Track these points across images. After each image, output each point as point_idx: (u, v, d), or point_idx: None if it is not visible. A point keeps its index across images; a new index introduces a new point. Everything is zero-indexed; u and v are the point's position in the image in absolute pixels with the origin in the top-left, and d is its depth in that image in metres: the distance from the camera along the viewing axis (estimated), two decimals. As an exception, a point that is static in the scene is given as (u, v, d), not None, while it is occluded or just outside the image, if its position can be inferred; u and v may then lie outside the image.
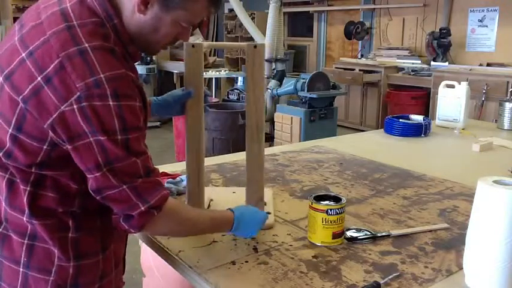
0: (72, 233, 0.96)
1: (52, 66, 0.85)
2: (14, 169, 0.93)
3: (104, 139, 0.86)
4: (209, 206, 1.34)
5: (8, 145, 0.91)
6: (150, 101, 1.32)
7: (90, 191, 0.91)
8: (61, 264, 0.96)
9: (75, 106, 0.84)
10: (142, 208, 0.92)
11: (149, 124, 1.42)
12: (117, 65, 0.88)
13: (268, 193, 1.43)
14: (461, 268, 1.07)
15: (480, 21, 6.01)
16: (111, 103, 0.85)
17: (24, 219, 0.94)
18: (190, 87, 1.25)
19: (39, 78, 0.86)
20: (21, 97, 0.87)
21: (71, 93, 0.84)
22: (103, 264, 1.02)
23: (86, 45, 0.86)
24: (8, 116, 0.90)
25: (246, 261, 1.11)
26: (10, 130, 0.90)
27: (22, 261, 0.95)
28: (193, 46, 1.24)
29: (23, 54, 0.89)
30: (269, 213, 1.29)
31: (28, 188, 0.93)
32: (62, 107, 0.84)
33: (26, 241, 0.95)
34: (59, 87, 0.84)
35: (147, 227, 0.96)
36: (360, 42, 7.47)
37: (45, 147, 0.89)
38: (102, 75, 0.85)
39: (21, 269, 0.95)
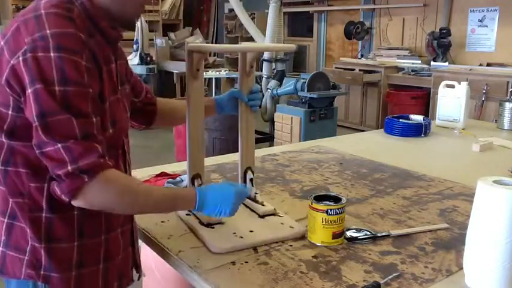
0: (46, 213, 0.98)
1: (11, 30, 0.93)
2: None
3: (39, 87, 0.88)
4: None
5: None
6: (213, 100, 1.41)
7: (34, 147, 0.92)
8: (34, 245, 0.99)
9: (21, 58, 0.89)
10: (69, 168, 0.89)
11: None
12: (68, 26, 0.92)
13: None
14: (461, 268, 1.07)
15: (480, 21, 6.01)
16: (52, 54, 0.89)
17: (3, 195, 0.99)
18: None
19: (1, 43, 0.94)
20: None
21: (19, 48, 0.90)
22: (79, 253, 1.02)
23: (42, 11, 0.92)
24: None
25: (246, 262, 1.11)
26: None
27: (1, 240, 1.00)
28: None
29: None
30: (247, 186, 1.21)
31: (0, 167, 0.97)
32: (12, 61, 0.90)
33: (6, 220, 0.99)
34: (12, 45, 0.91)
35: (78, 195, 0.92)
36: (360, 42, 7.46)
37: (10, 112, 0.93)
38: (48, 31, 0.90)
39: (0, 248, 1.00)
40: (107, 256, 1.07)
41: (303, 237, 1.23)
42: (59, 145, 0.89)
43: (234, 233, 1.23)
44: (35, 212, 0.98)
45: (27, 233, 0.98)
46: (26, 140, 0.94)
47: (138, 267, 1.22)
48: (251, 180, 1.39)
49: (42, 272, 1.00)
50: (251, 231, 1.23)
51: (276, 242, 1.20)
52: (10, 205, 0.98)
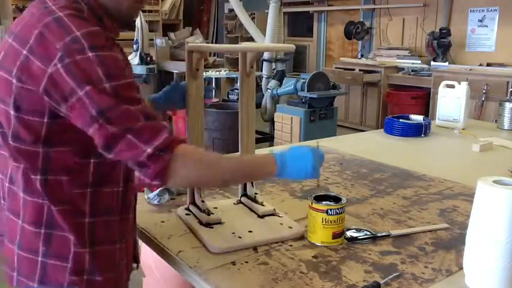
0: (89, 218, 0.98)
1: (33, 37, 0.90)
2: (22, 158, 0.95)
3: (89, 88, 0.87)
4: (211, 212, 1.33)
5: (13, 127, 0.94)
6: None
7: (102, 152, 0.91)
8: (77, 251, 0.98)
9: (59, 65, 0.88)
10: (149, 150, 0.90)
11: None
12: (89, 25, 0.92)
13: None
14: (461, 268, 1.07)
15: (480, 21, 6.01)
16: (90, 54, 0.88)
17: (45, 206, 0.96)
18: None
19: (24, 52, 0.90)
20: (13, 75, 0.91)
21: (53, 55, 0.88)
22: (120, 254, 1.04)
23: (59, 13, 0.92)
24: (6, 99, 0.93)
25: (246, 262, 1.11)
26: (12, 112, 0.93)
27: (40, 251, 0.97)
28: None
29: (10, 40, 0.95)
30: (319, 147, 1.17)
31: (38, 176, 0.95)
32: (49, 70, 0.88)
33: (42, 230, 0.97)
34: (42, 53, 0.89)
35: (166, 175, 0.93)
36: (360, 42, 7.46)
37: (45, 120, 0.92)
38: (77, 33, 0.89)
39: (39, 259, 0.98)
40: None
41: (302, 237, 1.23)
42: (129, 135, 0.89)
43: (233, 233, 1.23)
44: (79, 218, 0.98)
45: (70, 240, 0.97)
46: (63, 145, 0.94)
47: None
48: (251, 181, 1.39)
49: (85, 277, 0.99)
50: (250, 232, 1.23)
51: (276, 242, 1.20)
52: (46, 215, 0.97)
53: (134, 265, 1.20)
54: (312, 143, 2.29)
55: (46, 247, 0.97)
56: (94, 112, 0.88)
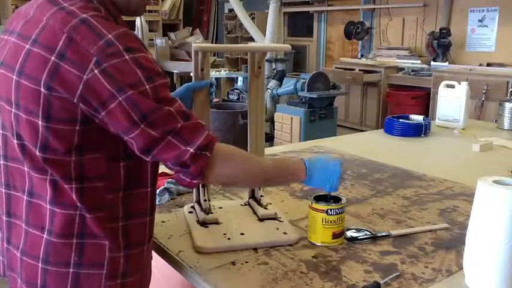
0: (122, 222, 0.98)
1: (61, 42, 0.86)
2: (53, 168, 0.91)
3: (131, 93, 0.86)
4: (211, 211, 1.33)
5: (41, 138, 0.90)
6: None
7: (140, 155, 0.91)
8: (112, 256, 0.96)
9: (96, 71, 0.84)
10: (192, 150, 0.90)
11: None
12: (118, 26, 0.90)
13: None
14: (461, 268, 1.07)
15: (480, 21, 6.01)
16: (127, 57, 0.86)
17: (77, 215, 0.93)
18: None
19: (53, 58, 0.86)
20: (41, 84, 0.87)
21: (88, 60, 0.84)
22: (148, 254, 1.05)
23: (84, 15, 0.88)
24: (34, 109, 0.89)
25: (246, 262, 1.11)
26: (40, 122, 0.89)
27: (72, 262, 0.94)
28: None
29: (27, 46, 0.89)
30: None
31: (74, 185, 0.92)
32: (85, 76, 0.85)
33: (74, 240, 0.94)
34: (75, 58, 0.85)
35: (206, 173, 0.94)
36: (360, 42, 7.46)
37: (77, 128, 0.89)
38: (110, 36, 0.86)
39: (71, 270, 0.94)
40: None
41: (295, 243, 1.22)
42: (169, 137, 0.89)
43: (225, 234, 1.23)
44: (113, 223, 0.96)
45: (106, 246, 0.95)
46: (95, 151, 0.92)
47: None
48: None
49: (119, 281, 0.98)
50: (242, 234, 1.23)
51: (271, 247, 1.19)
52: (78, 225, 0.93)
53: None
54: (312, 143, 2.29)
55: (79, 257, 0.94)
56: (136, 117, 0.86)
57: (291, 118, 4.46)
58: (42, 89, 0.87)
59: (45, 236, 0.94)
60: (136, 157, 0.94)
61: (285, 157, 2.01)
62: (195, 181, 0.95)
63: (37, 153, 0.90)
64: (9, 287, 1.02)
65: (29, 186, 0.95)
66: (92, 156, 0.92)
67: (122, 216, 0.98)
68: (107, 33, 0.86)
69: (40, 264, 0.95)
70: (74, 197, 0.92)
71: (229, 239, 1.20)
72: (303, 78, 4.51)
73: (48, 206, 0.93)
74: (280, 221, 1.31)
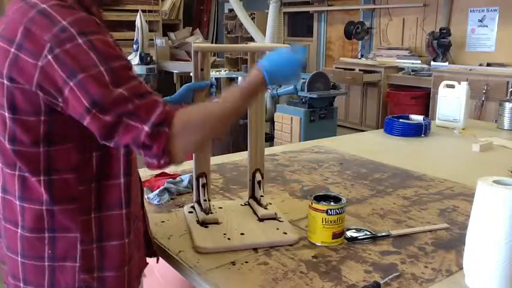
0: (95, 213, 0.97)
1: (19, 34, 0.87)
2: (22, 161, 0.92)
3: (82, 77, 0.84)
4: (211, 211, 1.33)
5: (9, 130, 0.91)
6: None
7: (103, 142, 0.89)
8: (85, 248, 0.96)
9: (49, 57, 0.85)
10: (147, 129, 0.86)
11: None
12: (76, 12, 0.89)
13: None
14: (461, 268, 1.07)
15: (480, 21, 6.01)
16: (80, 41, 0.85)
17: (44, 210, 0.94)
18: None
19: (12, 50, 0.87)
20: (4, 76, 0.88)
21: (42, 47, 0.85)
22: (129, 249, 1.02)
23: (43, 5, 0.88)
24: (1, 102, 0.90)
25: (246, 262, 1.11)
26: (7, 114, 0.90)
27: (46, 256, 0.96)
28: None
29: None
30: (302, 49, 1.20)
31: (42, 178, 0.93)
32: (40, 63, 0.85)
33: (46, 234, 0.95)
34: (31, 47, 0.86)
35: (171, 150, 0.89)
36: (360, 42, 7.46)
37: (42, 118, 0.89)
38: (64, 22, 0.86)
39: (46, 263, 0.96)
40: (139, 245, 1.10)
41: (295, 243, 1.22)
42: (124, 119, 0.86)
43: (224, 234, 1.23)
44: (85, 215, 0.96)
45: (77, 238, 0.95)
46: (64, 142, 0.92)
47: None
48: (259, 182, 1.39)
49: (95, 275, 0.98)
50: (242, 234, 1.23)
51: (271, 247, 1.19)
52: (47, 219, 0.94)
53: (153, 259, 1.19)
54: (312, 143, 2.29)
55: (52, 250, 0.95)
56: (87, 103, 0.84)
57: (291, 118, 4.46)
58: (5, 81, 0.88)
59: (19, 231, 0.96)
60: (107, 147, 0.93)
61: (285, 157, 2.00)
62: (162, 161, 0.89)
63: (7, 145, 0.92)
64: (3, 280, 1.04)
65: (2, 183, 0.97)
66: (61, 148, 0.92)
67: (94, 207, 0.97)
68: (61, 19, 0.86)
69: (19, 259, 0.97)
70: (43, 190, 0.93)
71: (229, 239, 1.20)
72: (303, 78, 4.51)
73: (17, 202, 0.95)
74: (280, 221, 1.31)
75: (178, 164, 0.92)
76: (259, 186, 1.39)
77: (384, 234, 1.25)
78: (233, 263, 1.10)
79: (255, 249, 1.17)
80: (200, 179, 1.33)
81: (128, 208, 1.01)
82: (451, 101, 2.61)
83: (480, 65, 5.66)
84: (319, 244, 1.19)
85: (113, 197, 0.99)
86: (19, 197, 0.95)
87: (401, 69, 6.43)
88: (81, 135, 0.92)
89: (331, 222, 1.18)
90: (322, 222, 1.18)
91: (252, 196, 1.41)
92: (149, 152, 0.88)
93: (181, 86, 1.40)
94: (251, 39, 5.62)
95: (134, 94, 0.87)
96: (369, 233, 1.25)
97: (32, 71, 0.86)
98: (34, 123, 0.90)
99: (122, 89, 0.86)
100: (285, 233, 1.24)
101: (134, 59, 6.81)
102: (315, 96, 4.32)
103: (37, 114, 0.89)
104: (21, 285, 0.98)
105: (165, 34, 8.52)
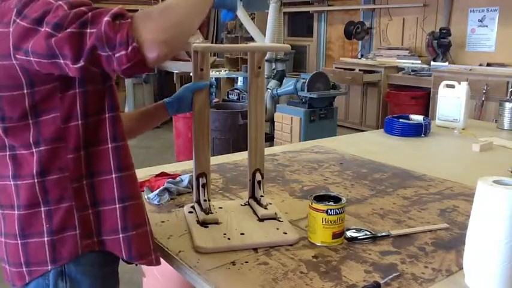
0: (86, 180, 1.00)
1: None
2: (13, 137, 0.96)
3: (47, 18, 0.86)
4: (211, 211, 1.33)
5: None
6: (163, 103, 1.37)
7: (77, 65, 0.86)
8: (81, 214, 1.00)
9: (18, 20, 0.89)
10: (108, 18, 0.85)
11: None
12: None
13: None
14: (461, 268, 1.07)
15: (480, 21, 6.01)
16: None
17: (36, 183, 0.97)
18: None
19: None
20: None
21: (11, 14, 0.90)
22: (125, 212, 1.03)
23: None
24: None
25: (246, 262, 1.11)
26: None
27: (45, 230, 0.98)
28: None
29: None
30: None
31: (33, 150, 0.96)
32: (11, 29, 0.89)
33: (42, 208, 0.98)
34: (3, 19, 0.91)
35: (135, 34, 0.85)
36: (360, 42, 7.47)
37: (25, 91, 0.93)
38: None
39: (45, 238, 0.98)
40: (148, 219, 1.10)
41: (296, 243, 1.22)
42: (88, 29, 0.85)
43: (224, 234, 1.23)
44: (77, 182, 0.99)
45: (72, 206, 0.99)
46: (49, 113, 0.95)
47: None
48: (259, 182, 1.39)
49: (95, 239, 1.02)
50: (242, 234, 1.23)
51: (271, 247, 1.19)
52: (40, 192, 0.97)
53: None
54: (312, 143, 2.30)
55: (49, 224, 0.98)
56: (49, 29, 0.85)
57: (291, 118, 4.46)
58: None
59: (16, 212, 0.99)
60: (93, 115, 0.98)
61: (286, 157, 2.00)
62: (130, 49, 0.85)
63: None
64: (4, 279, 1.05)
65: None
66: (47, 118, 0.96)
67: (85, 174, 1.00)
68: None
69: (19, 241, 0.99)
70: (34, 163, 0.96)
71: (229, 239, 1.20)
72: (303, 78, 4.52)
73: (12, 182, 0.99)
74: (280, 221, 1.31)
75: (153, 55, 0.87)
76: (259, 186, 1.39)
77: (383, 234, 1.25)
78: (233, 263, 1.10)
79: (255, 249, 1.17)
80: (200, 179, 1.34)
81: (120, 172, 1.03)
82: (451, 101, 2.61)
83: (480, 65, 5.66)
84: (319, 244, 1.19)
85: (103, 162, 1.02)
86: (12, 176, 0.98)
87: (401, 69, 6.44)
88: (65, 104, 0.96)
89: (331, 222, 1.18)
90: (322, 222, 1.18)
91: (252, 196, 1.41)
92: (114, 43, 0.85)
93: (181, 86, 1.41)
94: (251, 39, 5.62)
95: (94, 8, 0.89)
96: (369, 233, 1.25)
97: (7, 40, 0.90)
98: (19, 97, 0.93)
99: (81, 8, 0.88)
100: (285, 233, 1.24)
101: (134, 59, 6.80)
102: (315, 96, 4.32)
103: (19, 88, 0.93)
104: (24, 269, 1.00)
105: (165, 34, 8.50)
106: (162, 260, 1.20)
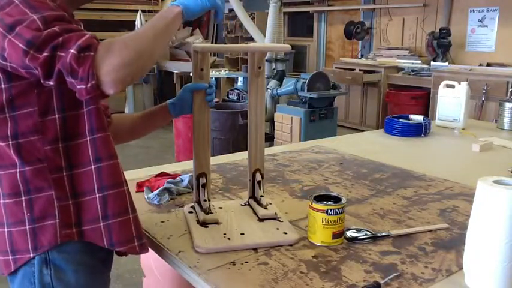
0: (66, 171, 1.03)
1: None
2: None
3: (19, 28, 0.90)
4: (211, 212, 1.33)
5: None
6: (166, 104, 1.39)
7: (46, 82, 0.93)
8: (61, 205, 1.02)
9: None
10: (73, 50, 0.89)
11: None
12: None
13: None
14: (461, 268, 1.07)
15: (480, 21, 6.02)
16: (17, 1, 0.92)
17: (18, 173, 1.00)
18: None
19: None
20: None
21: None
22: (104, 202, 1.05)
23: None
24: None
25: (246, 262, 1.11)
26: None
27: (26, 219, 1.01)
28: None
29: None
30: None
31: (10, 142, 1.00)
32: None
33: (23, 198, 1.01)
34: None
35: (96, 72, 0.90)
36: (360, 42, 7.47)
37: (2, 86, 0.97)
38: None
39: (27, 227, 1.01)
40: (132, 207, 1.11)
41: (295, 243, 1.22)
42: (58, 52, 0.90)
43: (224, 234, 1.23)
44: (57, 173, 1.02)
45: (52, 196, 1.01)
46: (26, 107, 0.98)
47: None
48: (259, 182, 1.39)
49: (75, 229, 1.04)
50: (242, 234, 1.23)
51: (271, 247, 1.19)
52: (21, 182, 1.01)
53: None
54: (312, 143, 2.29)
55: (30, 213, 1.01)
56: (23, 45, 0.89)
57: (291, 118, 4.46)
58: None
59: (1, 201, 1.03)
60: (70, 109, 1.01)
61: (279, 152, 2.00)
62: (89, 85, 0.90)
63: None
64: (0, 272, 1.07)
65: None
66: (23, 112, 0.99)
67: (64, 166, 1.03)
68: None
69: (5, 229, 1.03)
70: (13, 154, 1.00)
71: (229, 239, 1.20)
72: (303, 78, 4.52)
73: None
74: (280, 221, 1.31)
75: (109, 92, 0.93)
76: (259, 186, 1.39)
77: (383, 234, 1.25)
78: (233, 263, 1.10)
79: (255, 249, 1.17)
80: (200, 179, 1.34)
81: (99, 163, 1.05)
82: (451, 101, 2.61)
83: (480, 65, 5.66)
84: (319, 244, 1.19)
85: (82, 155, 1.04)
86: None
87: (401, 69, 6.44)
88: (42, 99, 0.99)
89: (331, 222, 1.18)
90: (322, 222, 1.18)
91: (252, 196, 1.41)
92: (76, 76, 0.90)
93: (181, 86, 1.41)
94: (251, 39, 5.62)
95: (65, 30, 0.92)
96: (369, 233, 1.25)
97: None
98: None
99: (54, 27, 0.91)
100: (285, 233, 1.24)
101: (134, 59, 6.80)
102: (315, 96, 4.32)
103: None
104: (10, 257, 1.03)
105: (165, 34, 8.50)
106: (162, 260, 1.20)
